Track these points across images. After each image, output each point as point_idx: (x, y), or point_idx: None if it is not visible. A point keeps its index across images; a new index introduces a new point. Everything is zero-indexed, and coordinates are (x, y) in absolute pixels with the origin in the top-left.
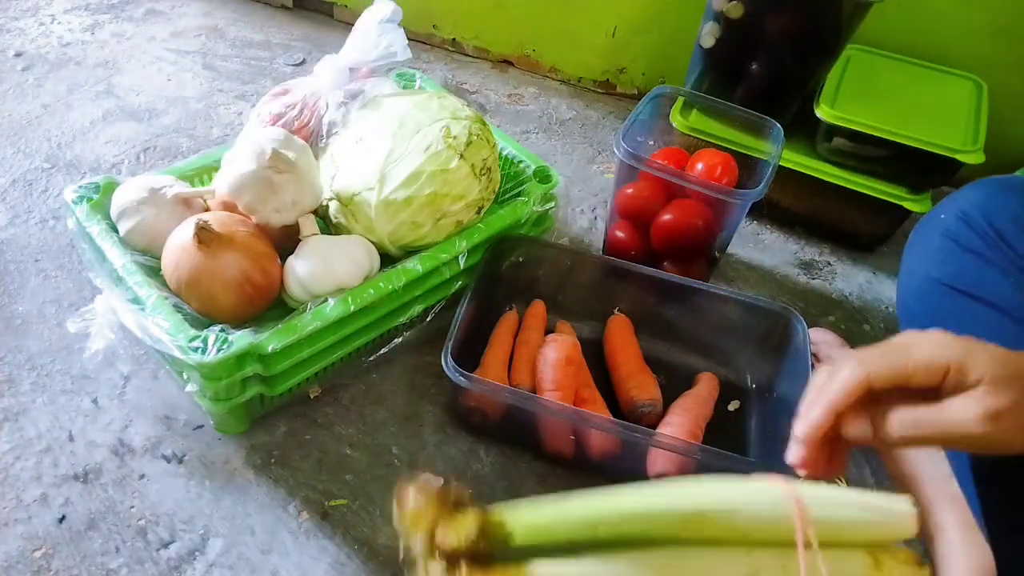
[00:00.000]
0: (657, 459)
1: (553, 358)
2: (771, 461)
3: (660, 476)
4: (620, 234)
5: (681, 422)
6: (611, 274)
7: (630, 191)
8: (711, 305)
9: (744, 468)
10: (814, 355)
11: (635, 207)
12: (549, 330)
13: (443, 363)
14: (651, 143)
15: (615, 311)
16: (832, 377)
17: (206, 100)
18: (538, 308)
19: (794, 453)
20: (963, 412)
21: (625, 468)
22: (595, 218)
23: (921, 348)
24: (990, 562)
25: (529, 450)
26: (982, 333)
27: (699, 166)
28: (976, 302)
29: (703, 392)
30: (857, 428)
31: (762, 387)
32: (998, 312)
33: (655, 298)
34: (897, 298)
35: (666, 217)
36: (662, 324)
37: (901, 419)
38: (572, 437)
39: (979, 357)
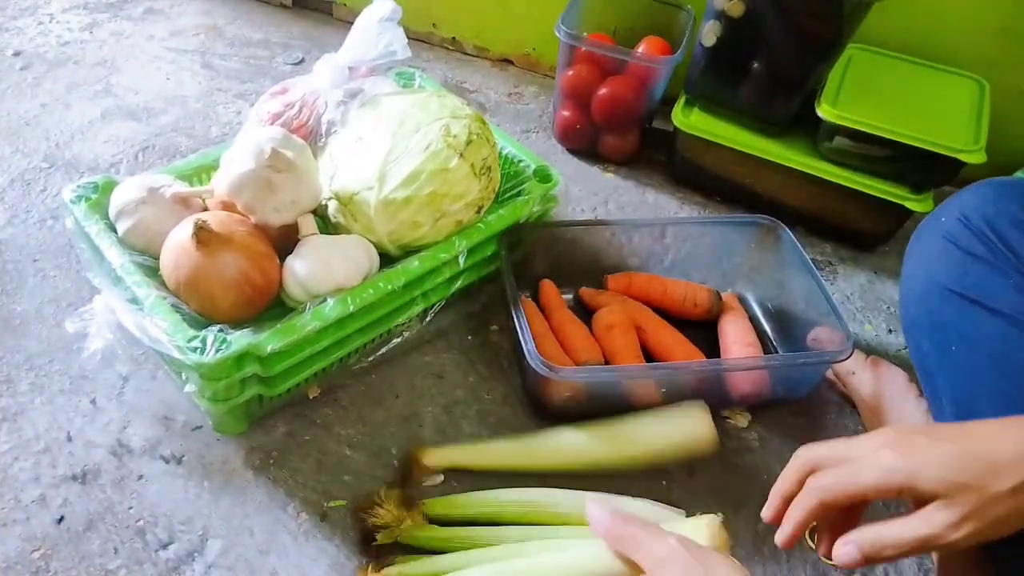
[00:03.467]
0: (740, 380)
1: (621, 329)
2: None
3: (745, 395)
4: (565, 113)
5: (743, 342)
6: (598, 235)
7: (571, 73)
8: (696, 233)
9: (806, 361)
10: (817, 351)
11: (576, 86)
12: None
13: (532, 366)
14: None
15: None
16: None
17: (205, 99)
18: (550, 288)
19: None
20: (923, 529)
21: (712, 397)
22: (595, 218)
23: (870, 471)
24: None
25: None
26: (983, 339)
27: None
28: (977, 307)
29: (737, 310)
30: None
31: (765, 293)
32: (1000, 318)
33: (648, 241)
34: (900, 302)
35: (603, 91)
36: (663, 265)
37: (862, 539)
38: (663, 390)
39: (927, 471)
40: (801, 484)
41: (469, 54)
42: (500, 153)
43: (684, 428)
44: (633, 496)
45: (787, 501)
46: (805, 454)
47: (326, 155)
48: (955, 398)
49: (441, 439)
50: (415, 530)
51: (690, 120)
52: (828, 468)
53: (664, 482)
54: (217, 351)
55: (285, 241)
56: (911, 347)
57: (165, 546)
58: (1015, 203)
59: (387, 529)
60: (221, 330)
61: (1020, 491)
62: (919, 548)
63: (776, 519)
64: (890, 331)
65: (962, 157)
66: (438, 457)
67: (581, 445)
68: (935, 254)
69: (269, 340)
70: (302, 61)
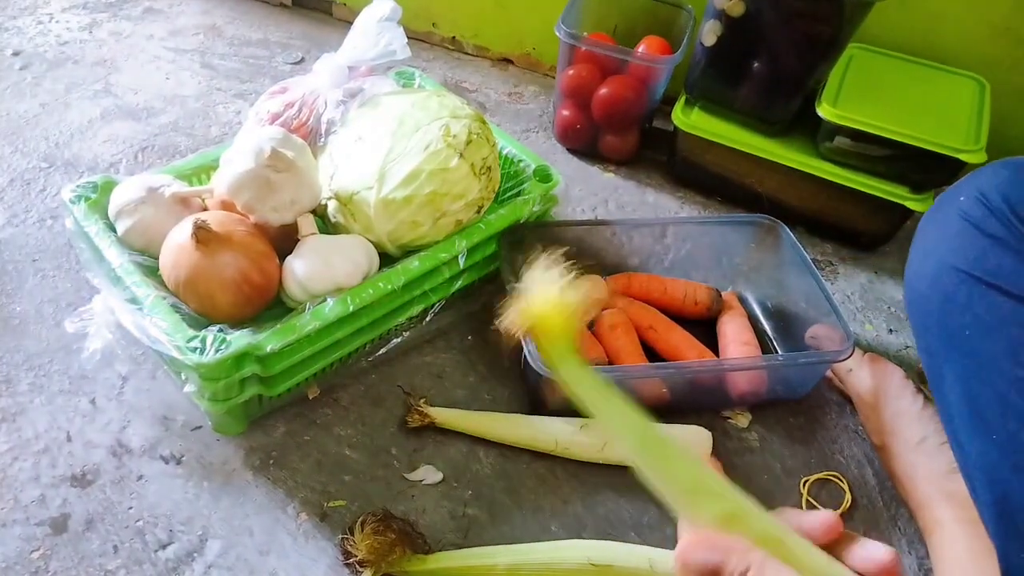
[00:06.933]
0: (738, 379)
1: (623, 328)
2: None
3: (743, 394)
4: (565, 113)
5: (740, 341)
6: (598, 235)
7: (571, 72)
8: (696, 233)
9: (807, 361)
10: (816, 348)
11: (576, 86)
12: None
13: (532, 366)
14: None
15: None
16: None
17: (204, 99)
18: None
19: None
20: None
21: (712, 397)
22: (595, 218)
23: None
24: (990, 547)
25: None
26: (1000, 325)
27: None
28: (996, 291)
29: (736, 309)
30: None
31: (765, 293)
32: (1020, 303)
33: (648, 240)
34: (905, 282)
35: (603, 91)
36: (663, 264)
37: None
38: (665, 389)
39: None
40: None
41: (469, 54)
42: (500, 153)
43: (683, 435)
44: (631, 495)
45: None
46: None
47: (326, 155)
48: (965, 387)
49: (442, 439)
50: (403, 563)
51: (690, 120)
52: None
53: None
54: (216, 351)
55: (285, 241)
56: (916, 330)
57: (164, 546)
58: None
59: (370, 564)
60: (220, 330)
61: None
62: None
63: None
64: (891, 331)
65: (962, 157)
66: (436, 412)
67: (576, 429)
68: (951, 233)
69: (269, 340)
70: (302, 61)
